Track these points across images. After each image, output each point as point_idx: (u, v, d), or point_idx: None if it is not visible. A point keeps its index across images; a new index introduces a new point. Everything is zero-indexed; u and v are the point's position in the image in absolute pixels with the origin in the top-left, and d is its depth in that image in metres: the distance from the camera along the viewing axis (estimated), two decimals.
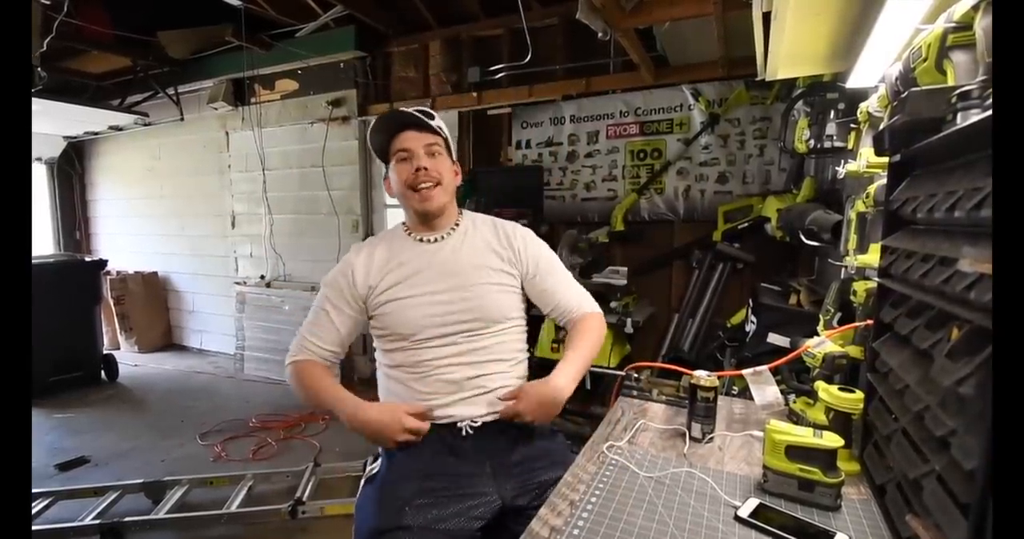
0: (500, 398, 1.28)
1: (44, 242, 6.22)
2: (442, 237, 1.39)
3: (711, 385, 1.25)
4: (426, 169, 1.31)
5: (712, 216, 3.50)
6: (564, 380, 1.27)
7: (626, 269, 3.30)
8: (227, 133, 5.29)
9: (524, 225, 1.49)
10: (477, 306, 1.31)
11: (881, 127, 1.09)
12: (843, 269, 1.72)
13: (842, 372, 1.22)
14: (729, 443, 1.25)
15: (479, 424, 1.29)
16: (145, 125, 5.27)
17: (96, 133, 5.71)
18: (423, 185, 1.32)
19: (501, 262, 1.39)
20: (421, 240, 1.39)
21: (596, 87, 3.78)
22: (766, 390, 1.37)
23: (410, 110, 1.31)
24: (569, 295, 1.44)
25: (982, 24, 0.80)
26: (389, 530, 1.11)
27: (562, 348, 1.41)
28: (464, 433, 1.28)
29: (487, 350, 1.33)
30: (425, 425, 1.23)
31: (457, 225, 1.42)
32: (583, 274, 3.46)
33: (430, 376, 1.29)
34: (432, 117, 1.33)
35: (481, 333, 1.32)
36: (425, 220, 1.38)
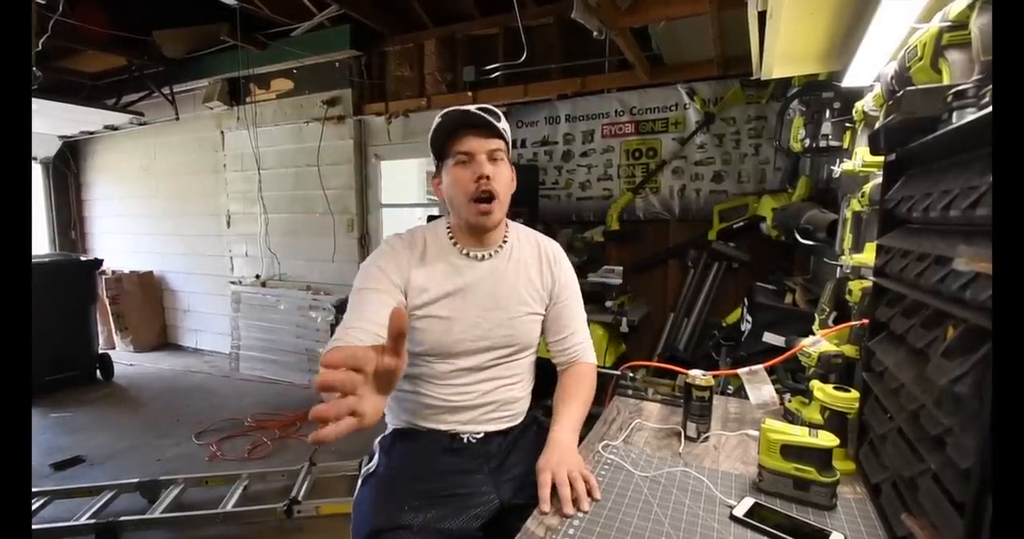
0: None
1: (40, 242, 6.20)
2: (490, 255, 1.31)
3: (706, 384, 1.25)
4: (488, 178, 1.20)
5: (707, 215, 3.51)
6: (564, 434, 1.19)
7: (621, 268, 3.31)
8: (222, 132, 5.28)
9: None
10: (512, 333, 1.29)
11: (877, 126, 1.10)
12: (838, 268, 1.72)
13: (837, 371, 1.22)
14: (724, 442, 1.25)
15: (481, 435, 1.30)
16: (140, 124, 5.24)
17: (91, 132, 5.68)
18: (483, 199, 1.21)
19: (541, 290, 1.35)
20: (468, 255, 1.30)
21: (591, 86, 3.77)
22: (761, 389, 1.37)
23: (474, 108, 1.19)
24: (579, 333, 1.39)
25: (977, 23, 0.80)
26: (389, 529, 1.09)
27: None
28: (466, 441, 1.29)
29: (509, 373, 1.32)
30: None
31: (505, 241, 1.34)
32: (579, 273, 3.45)
33: (448, 387, 1.28)
34: (499, 117, 1.22)
35: (509, 359, 1.31)
36: (476, 233, 1.29)
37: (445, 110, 1.21)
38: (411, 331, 1.24)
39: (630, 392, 1.56)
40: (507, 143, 1.27)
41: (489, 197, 1.21)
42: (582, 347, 1.39)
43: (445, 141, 1.23)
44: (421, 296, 1.24)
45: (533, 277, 1.35)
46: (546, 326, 1.38)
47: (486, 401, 1.29)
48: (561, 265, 1.40)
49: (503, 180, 1.24)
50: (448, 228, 1.33)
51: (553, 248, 1.42)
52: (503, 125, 1.23)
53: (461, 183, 1.22)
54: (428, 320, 1.24)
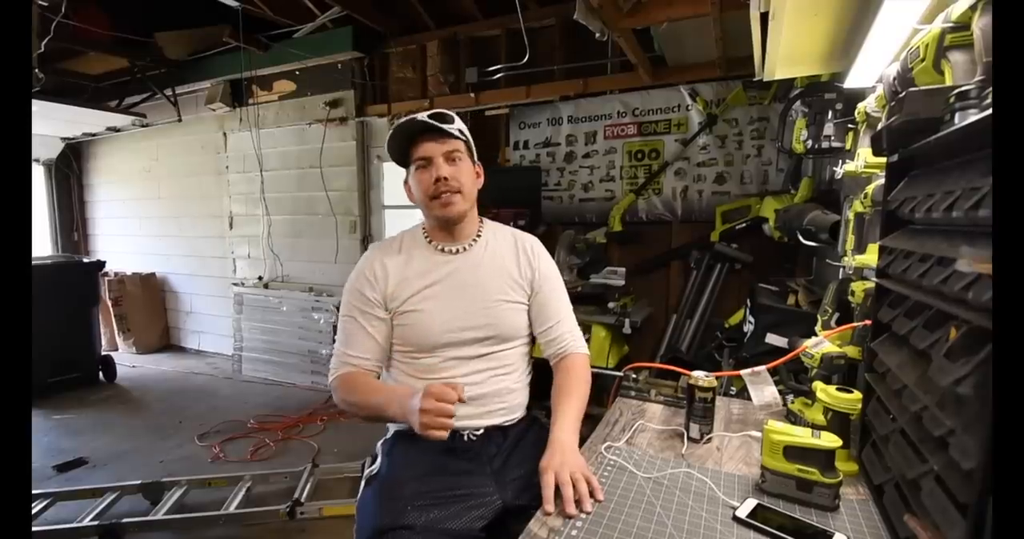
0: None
1: (42, 243, 6.20)
2: (464, 248, 1.37)
3: (709, 385, 1.24)
4: (446, 179, 1.27)
5: (710, 216, 3.51)
6: (565, 434, 1.20)
7: (624, 269, 3.31)
8: (225, 134, 5.28)
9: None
10: (493, 323, 1.32)
11: (879, 127, 1.10)
12: (841, 269, 1.72)
13: (840, 372, 1.22)
14: (727, 443, 1.25)
15: (481, 432, 1.30)
16: (143, 126, 5.26)
17: (94, 134, 5.70)
18: (444, 196, 1.29)
19: (520, 280, 1.38)
20: (442, 250, 1.36)
21: (594, 88, 3.78)
22: (764, 390, 1.36)
23: (425, 116, 1.26)
24: (565, 322, 1.41)
25: (980, 24, 0.80)
26: (392, 529, 1.09)
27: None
28: (466, 438, 1.29)
29: (499, 363, 1.34)
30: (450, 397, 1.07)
31: (479, 236, 1.40)
32: (581, 275, 3.46)
33: (440, 381, 1.28)
34: (451, 120, 1.30)
35: (495, 348, 1.33)
36: (446, 227, 1.36)
37: (398, 121, 1.29)
38: (395, 329, 1.33)
39: (633, 393, 1.56)
40: (467, 143, 1.35)
41: (450, 192, 1.29)
42: (571, 336, 1.41)
43: (406, 149, 1.32)
44: (400, 295, 1.31)
45: (510, 267, 1.38)
46: (532, 318, 1.41)
47: (480, 393, 1.30)
48: (539, 256, 1.44)
49: (464, 177, 1.32)
50: (424, 228, 1.41)
51: (530, 240, 1.46)
52: (457, 126, 1.31)
53: (423, 185, 1.31)
54: (409, 315, 1.30)
